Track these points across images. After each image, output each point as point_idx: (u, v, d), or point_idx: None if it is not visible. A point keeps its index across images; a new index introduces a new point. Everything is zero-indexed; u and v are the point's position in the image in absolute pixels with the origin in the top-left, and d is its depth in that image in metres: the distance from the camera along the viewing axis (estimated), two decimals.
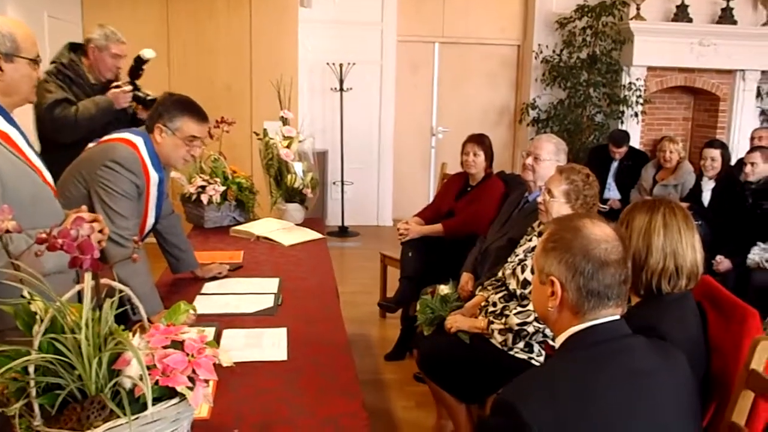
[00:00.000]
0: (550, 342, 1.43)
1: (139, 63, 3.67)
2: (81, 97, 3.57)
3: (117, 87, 3.60)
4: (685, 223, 1.82)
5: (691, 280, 1.81)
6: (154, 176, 2.51)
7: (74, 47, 3.68)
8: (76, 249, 1.23)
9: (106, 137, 2.54)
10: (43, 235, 1.23)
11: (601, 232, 1.43)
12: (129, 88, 3.60)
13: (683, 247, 1.79)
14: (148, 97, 3.62)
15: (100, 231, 1.85)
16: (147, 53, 3.65)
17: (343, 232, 7.17)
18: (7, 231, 1.29)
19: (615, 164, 6.07)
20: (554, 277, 1.44)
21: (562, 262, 1.43)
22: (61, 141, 3.36)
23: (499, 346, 2.66)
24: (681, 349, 1.55)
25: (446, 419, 3.01)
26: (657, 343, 1.49)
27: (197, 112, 2.53)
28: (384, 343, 4.23)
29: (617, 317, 1.44)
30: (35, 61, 1.85)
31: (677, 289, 1.79)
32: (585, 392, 1.32)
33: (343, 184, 7.25)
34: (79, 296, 1.31)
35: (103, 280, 1.33)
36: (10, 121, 1.84)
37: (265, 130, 3.98)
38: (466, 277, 3.36)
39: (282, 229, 3.65)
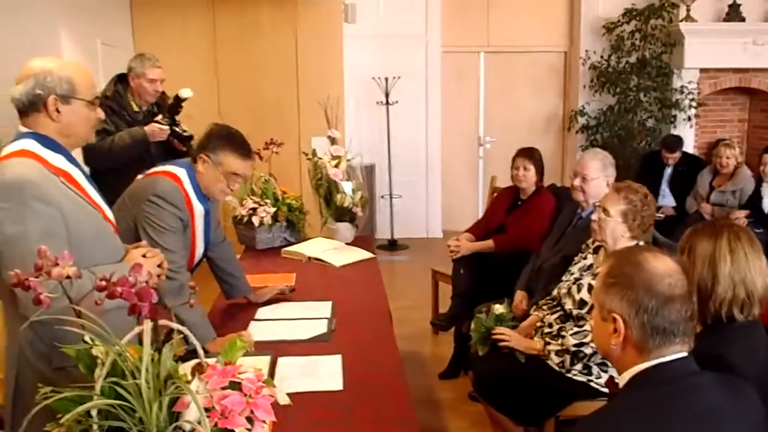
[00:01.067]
0: (615, 378, 1.38)
1: (177, 101, 3.83)
2: (121, 126, 3.78)
3: (157, 122, 3.78)
4: (751, 246, 1.75)
5: (762, 305, 1.74)
6: (198, 208, 2.52)
7: (121, 78, 3.91)
8: (134, 296, 1.24)
9: (152, 170, 2.56)
10: (103, 283, 1.25)
11: (663, 266, 1.38)
12: (167, 127, 3.78)
13: (752, 273, 1.72)
14: (185, 133, 3.82)
15: (159, 265, 1.89)
16: (184, 93, 3.81)
17: (392, 245, 7.16)
18: (68, 277, 1.31)
19: (669, 170, 5.91)
20: (616, 315, 1.39)
21: (624, 299, 1.37)
22: (93, 168, 3.48)
23: (557, 368, 2.61)
24: (751, 381, 1.49)
25: None
26: (725, 378, 1.43)
27: (241, 148, 2.48)
28: (437, 360, 4.18)
29: (684, 354, 1.39)
30: (93, 103, 1.88)
31: (751, 316, 1.72)
32: None
33: (391, 197, 7.24)
34: (139, 336, 1.33)
35: (162, 322, 1.35)
36: (72, 160, 1.87)
37: (314, 150, 4.01)
38: (520, 296, 3.31)
39: (333, 249, 3.65)
